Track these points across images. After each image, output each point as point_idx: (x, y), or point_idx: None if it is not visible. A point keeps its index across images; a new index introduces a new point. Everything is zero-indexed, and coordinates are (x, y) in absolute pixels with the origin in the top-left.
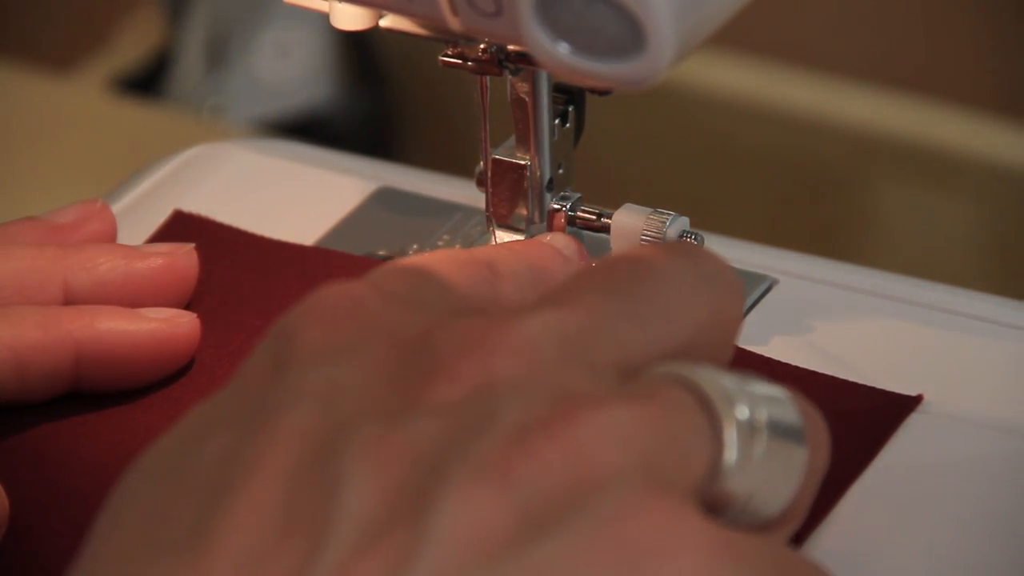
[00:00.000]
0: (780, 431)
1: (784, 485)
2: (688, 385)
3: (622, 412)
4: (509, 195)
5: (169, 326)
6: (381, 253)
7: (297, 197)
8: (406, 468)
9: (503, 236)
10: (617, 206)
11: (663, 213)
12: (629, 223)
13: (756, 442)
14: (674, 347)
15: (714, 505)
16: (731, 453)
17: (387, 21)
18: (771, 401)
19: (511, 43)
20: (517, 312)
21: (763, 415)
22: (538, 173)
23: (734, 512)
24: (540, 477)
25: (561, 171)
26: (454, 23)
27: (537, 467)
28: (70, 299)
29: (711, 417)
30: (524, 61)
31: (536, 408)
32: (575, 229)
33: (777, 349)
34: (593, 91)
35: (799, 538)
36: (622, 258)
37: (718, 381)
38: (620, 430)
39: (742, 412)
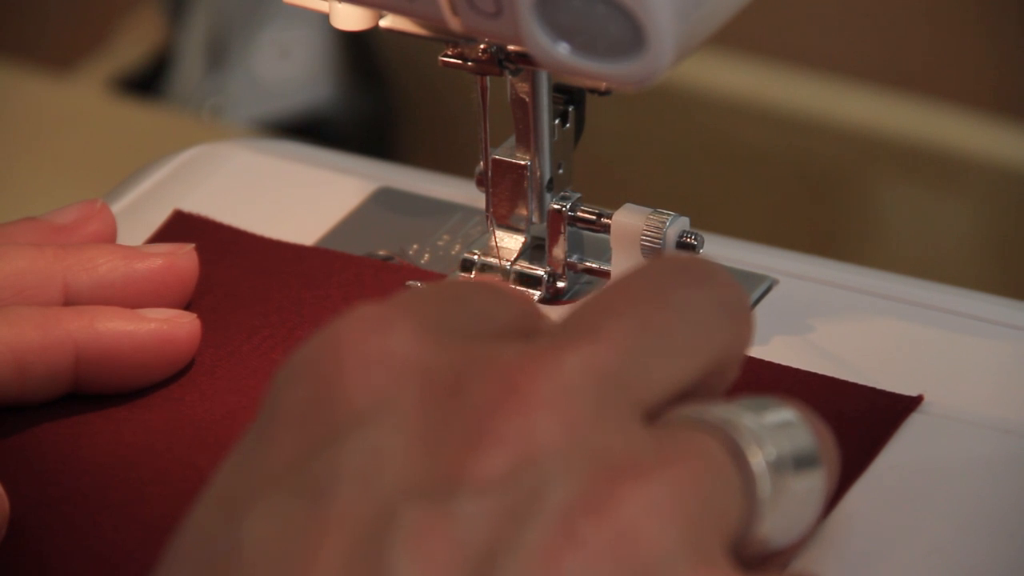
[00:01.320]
0: (801, 462)
1: (807, 514)
2: (714, 431)
3: (663, 481)
4: (509, 195)
5: (169, 327)
6: (381, 253)
7: (297, 197)
8: (456, 563)
9: (503, 236)
10: (617, 206)
11: (663, 213)
12: (629, 223)
13: (783, 480)
14: (695, 379)
15: (741, 546)
16: (764, 500)
17: (387, 21)
18: (787, 429)
19: (511, 43)
20: (552, 349)
21: (787, 449)
22: (538, 173)
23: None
24: (590, 568)
25: (561, 171)
26: (454, 23)
27: (586, 558)
28: (70, 300)
29: (740, 465)
30: (524, 61)
31: (579, 481)
32: (575, 229)
33: (777, 349)
34: (593, 91)
35: None
36: (645, 284)
37: (742, 423)
38: (663, 505)
39: (770, 454)
